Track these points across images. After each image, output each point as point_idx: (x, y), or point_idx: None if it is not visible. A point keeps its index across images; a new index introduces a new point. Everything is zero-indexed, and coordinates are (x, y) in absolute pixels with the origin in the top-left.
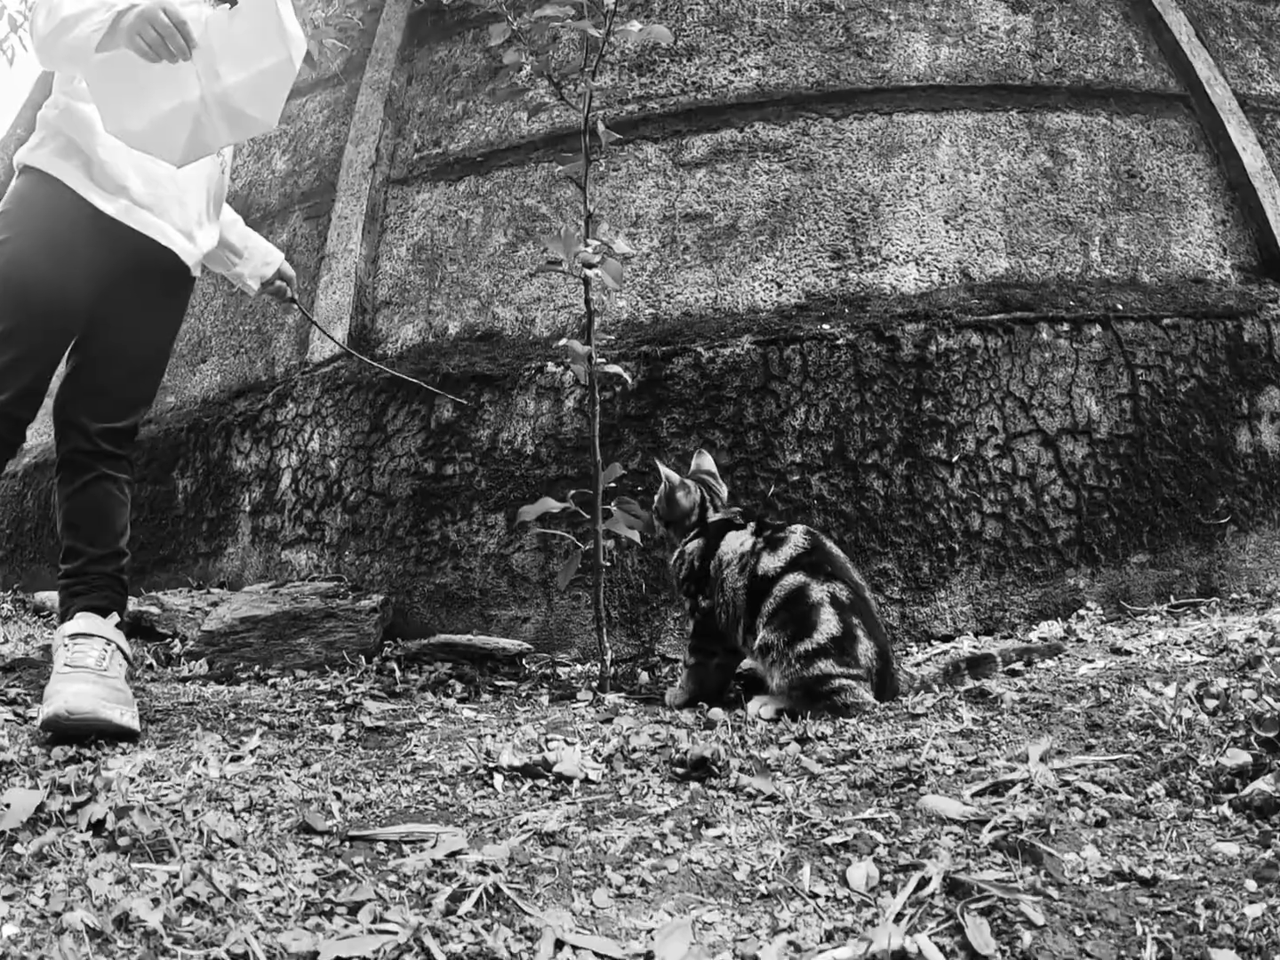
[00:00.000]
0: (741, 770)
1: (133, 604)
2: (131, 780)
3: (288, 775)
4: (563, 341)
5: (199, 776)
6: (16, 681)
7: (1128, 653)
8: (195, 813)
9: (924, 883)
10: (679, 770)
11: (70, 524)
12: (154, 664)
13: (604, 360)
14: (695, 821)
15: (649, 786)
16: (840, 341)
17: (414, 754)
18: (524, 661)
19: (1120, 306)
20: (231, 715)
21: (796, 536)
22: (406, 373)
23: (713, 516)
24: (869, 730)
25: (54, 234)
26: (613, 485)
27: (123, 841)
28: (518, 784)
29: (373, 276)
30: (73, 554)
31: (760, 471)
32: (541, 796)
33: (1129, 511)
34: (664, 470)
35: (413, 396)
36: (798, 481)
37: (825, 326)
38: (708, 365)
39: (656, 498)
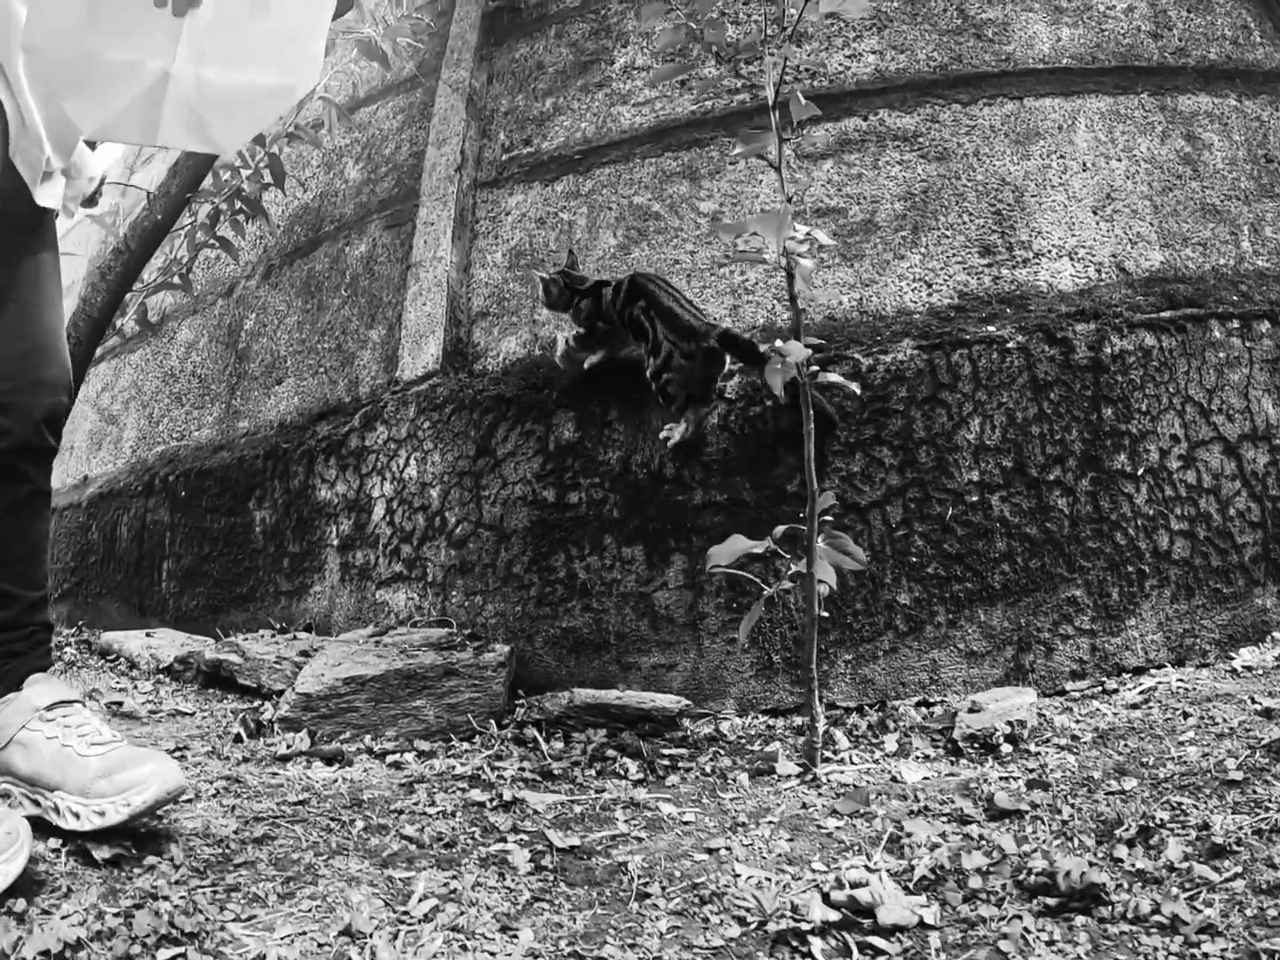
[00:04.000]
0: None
1: (210, 651)
2: None
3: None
4: (776, 344)
5: None
6: None
7: None
8: None
9: None
10: (1049, 902)
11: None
12: (242, 734)
13: (816, 369)
14: None
15: (1025, 936)
16: (1011, 345)
17: (647, 894)
18: (682, 720)
19: None
20: (360, 824)
21: None
22: (515, 389)
23: None
24: None
25: None
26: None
27: None
28: (830, 940)
29: (466, 286)
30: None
31: (935, 492)
32: None
33: None
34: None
35: (525, 415)
36: (977, 503)
37: (991, 328)
38: (868, 374)
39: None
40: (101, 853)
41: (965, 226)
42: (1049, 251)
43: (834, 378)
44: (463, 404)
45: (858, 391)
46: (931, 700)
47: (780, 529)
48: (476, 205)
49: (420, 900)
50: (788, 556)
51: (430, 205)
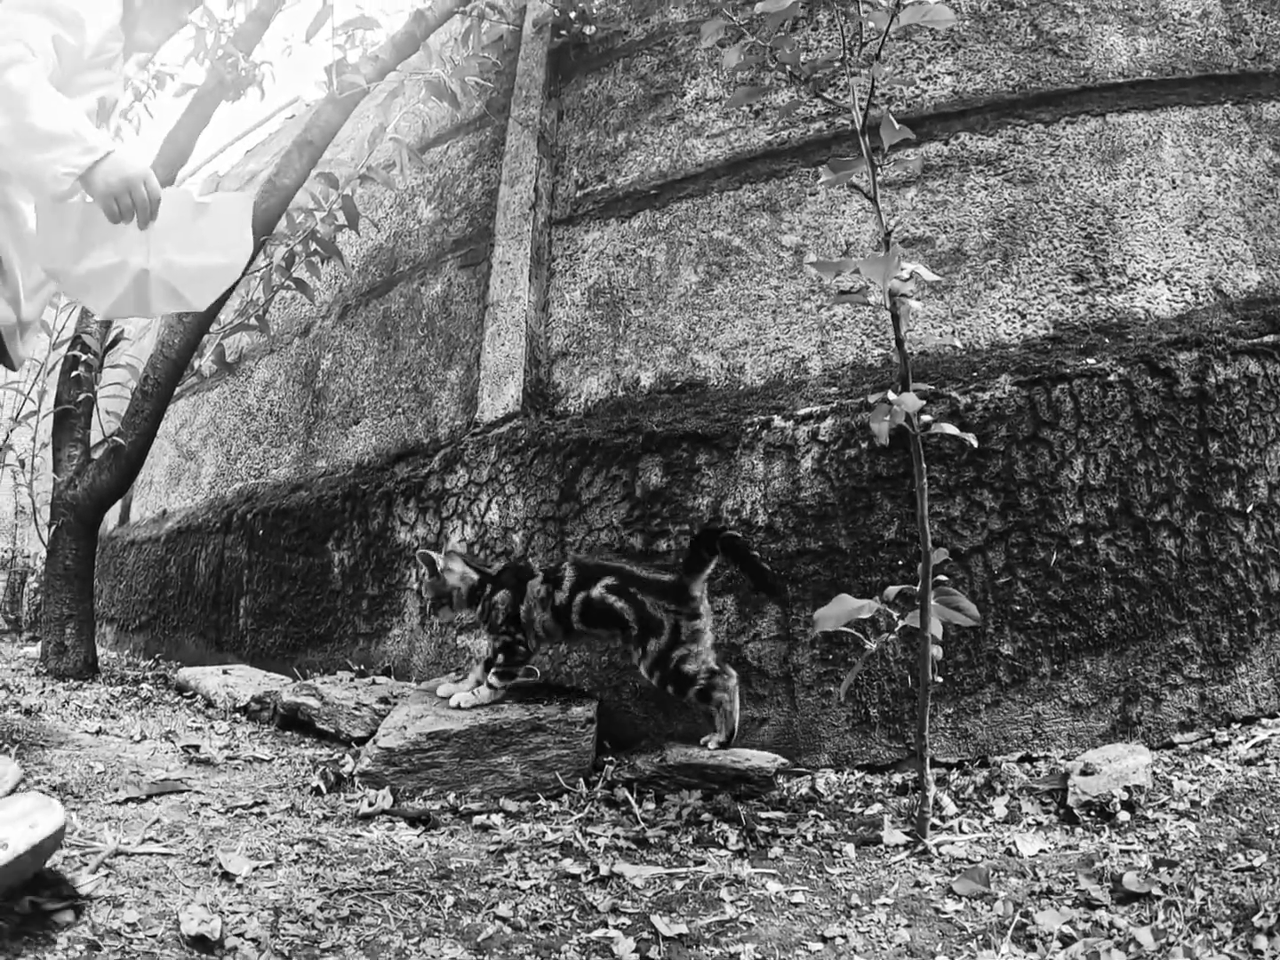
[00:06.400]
0: None
1: (288, 693)
2: None
3: None
4: (875, 397)
5: None
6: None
7: None
8: None
9: None
10: None
11: None
12: (322, 788)
13: (929, 420)
14: None
15: None
16: (1112, 378)
17: None
18: (778, 778)
19: None
20: (450, 899)
21: None
22: (599, 432)
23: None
24: None
25: None
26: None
27: None
28: None
29: (544, 325)
30: None
31: (1039, 536)
32: None
33: None
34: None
35: (610, 460)
36: (1082, 546)
37: (1091, 360)
38: (966, 412)
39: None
40: (190, 928)
41: (1056, 252)
42: (1144, 275)
43: (949, 429)
44: (545, 447)
45: (974, 444)
46: (1035, 755)
47: (893, 590)
48: (552, 243)
49: None
50: (894, 614)
51: (505, 244)
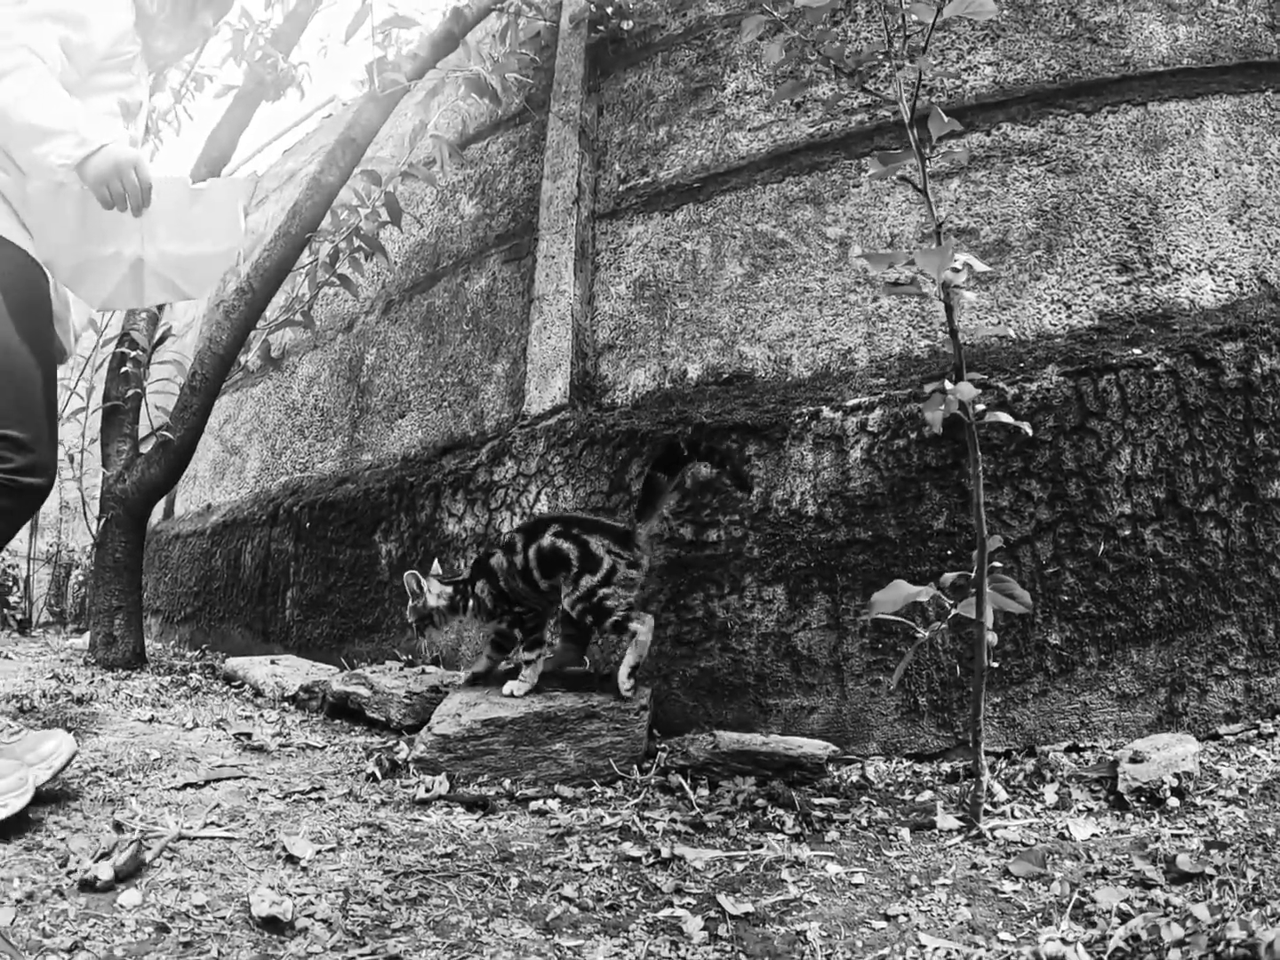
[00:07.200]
0: None
1: (337, 682)
2: None
3: None
4: (930, 386)
5: None
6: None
7: None
8: None
9: None
10: None
11: None
12: (377, 774)
13: (983, 409)
14: None
15: None
16: (1159, 368)
17: None
18: (829, 766)
19: None
20: (514, 881)
21: None
22: (648, 423)
23: None
24: None
25: None
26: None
27: None
28: None
29: (590, 318)
30: None
31: (1086, 527)
32: None
33: None
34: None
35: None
36: (1129, 537)
37: (1137, 351)
38: (1014, 403)
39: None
40: (261, 909)
41: (1100, 243)
42: (1188, 266)
43: (1004, 417)
44: (594, 439)
45: (1029, 432)
46: (1081, 745)
47: (949, 576)
48: (596, 237)
49: None
50: (950, 602)
51: (550, 238)
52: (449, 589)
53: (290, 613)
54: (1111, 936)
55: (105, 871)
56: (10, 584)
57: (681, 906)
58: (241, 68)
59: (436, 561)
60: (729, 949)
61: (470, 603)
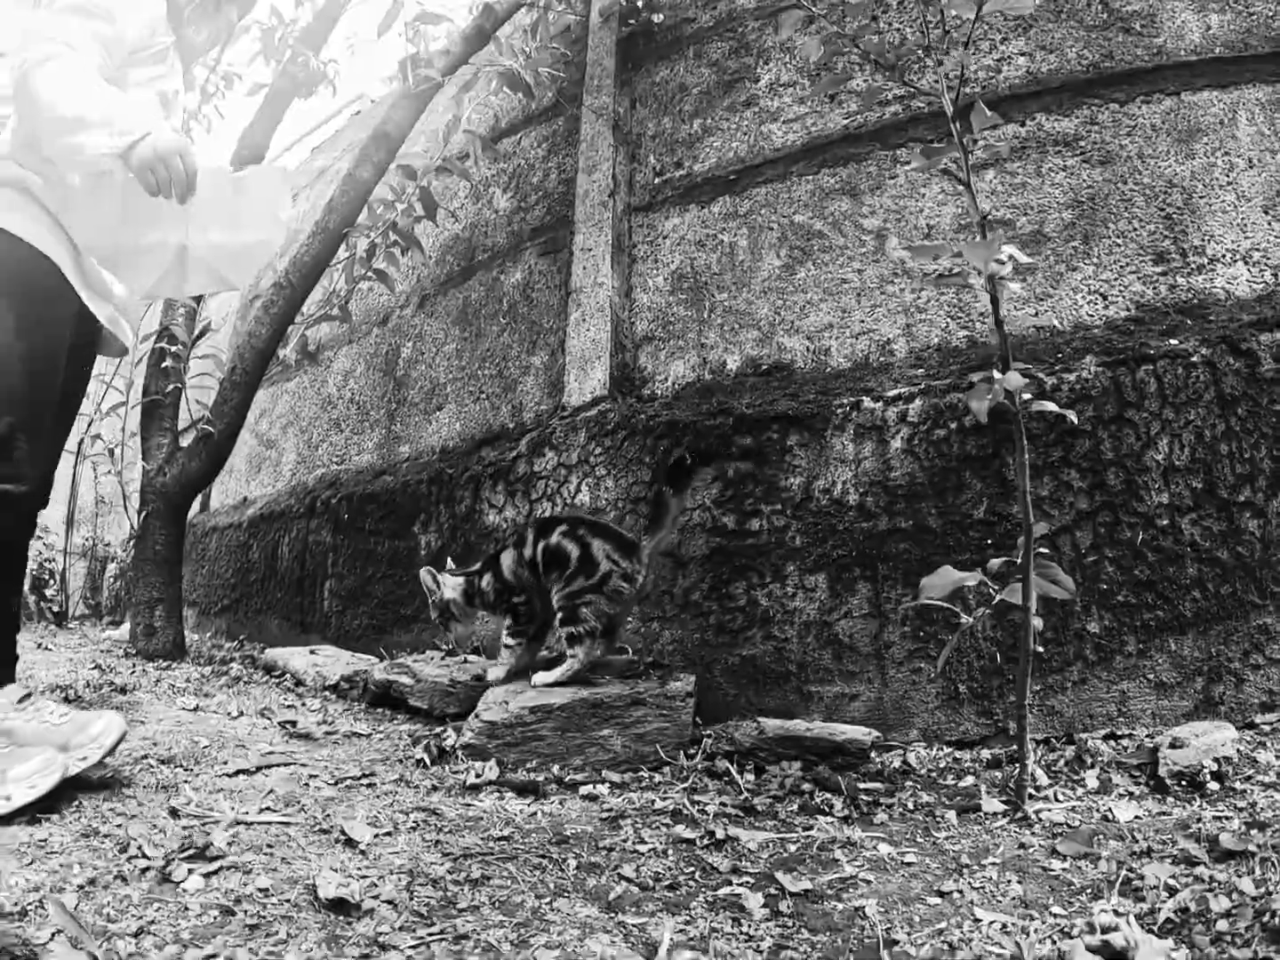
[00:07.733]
0: None
1: (379, 671)
2: None
3: None
4: (976, 376)
5: None
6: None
7: None
8: None
9: None
10: None
11: None
12: (426, 760)
13: (1030, 398)
14: None
15: None
16: (1195, 359)
17: (894, 941)
18: (872, 752)
19: None
20: (572, 863)
21: None
22: (689, 414)
23: None
24: None
25: None
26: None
27: None
28: None
29: (628, 310)
30: None
31: (1125, 516)
32: None
33: None
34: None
35: (701, 440)
36: (1167, 526)
37: (1174, 341)
38: (1053, 393)
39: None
40: (328, 891)
41: (1136, 234)
42: (1223, 256)
43: (1049, 406)
44: (635, 430)
45: (1074, 421)
46: (1119, 733)
47: (996, 562)
48: (632, 230)
49: (669, 952)
50: (994, 588)
51: (586, 231)
52: (461, 580)
53: (328, 603)
54: (1161, 909)
55: (166, 856)
56: (47, 577)
57: (740, 885)
58: (271, 66)
59: (450, 558)
60: (790, 924)
61: (478, 598)
